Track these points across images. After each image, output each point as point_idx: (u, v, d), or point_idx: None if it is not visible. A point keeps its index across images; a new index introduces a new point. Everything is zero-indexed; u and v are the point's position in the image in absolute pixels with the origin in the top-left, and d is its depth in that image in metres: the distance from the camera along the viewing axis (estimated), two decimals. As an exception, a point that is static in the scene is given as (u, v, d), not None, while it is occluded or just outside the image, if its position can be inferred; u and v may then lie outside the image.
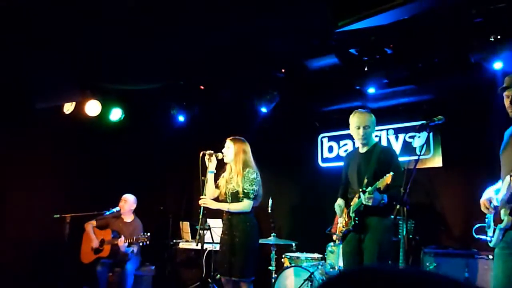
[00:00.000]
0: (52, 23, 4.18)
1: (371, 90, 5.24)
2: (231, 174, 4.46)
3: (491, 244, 2.92)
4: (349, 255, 3.88)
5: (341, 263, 4.50)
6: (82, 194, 6.20)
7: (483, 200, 3.00)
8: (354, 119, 3.93)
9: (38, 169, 5.88)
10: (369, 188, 3.53)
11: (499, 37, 4.28)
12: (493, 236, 2.88)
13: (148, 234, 5.57)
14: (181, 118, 6.72)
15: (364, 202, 3.58)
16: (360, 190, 3.71)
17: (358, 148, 4.07)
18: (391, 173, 3.31)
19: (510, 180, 2.78)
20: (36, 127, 5.83)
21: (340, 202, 4.07)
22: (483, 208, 2.99)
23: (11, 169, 5.66)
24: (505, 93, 3.02)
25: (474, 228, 3.17)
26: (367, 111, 3.99)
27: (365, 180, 3.72)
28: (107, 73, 5.35)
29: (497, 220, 2.84)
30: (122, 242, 5.50)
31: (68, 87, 5.59)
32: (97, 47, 4.68)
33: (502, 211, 2.80)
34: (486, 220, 3.00)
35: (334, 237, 4.53)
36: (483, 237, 3.03)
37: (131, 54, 4.92)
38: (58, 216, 5.31)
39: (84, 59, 4.94)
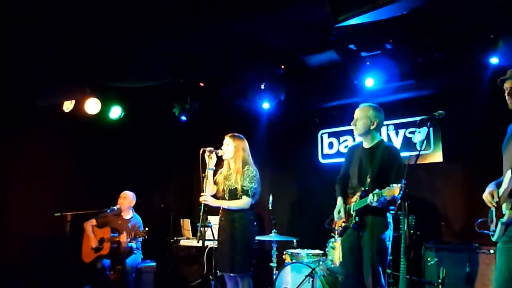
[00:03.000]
0: (53, 20, 4.17)
1: (371, 86, 5.23)
2: (230, 171, 4.46)
3: (493, 239, 2.92)
4: (348, 252, 3.88)
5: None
6: (83, 192, 6.19)
7: (485, 194, 2.99)
8: None
9: (38, 167, 5.86)
10: (377, 191, 3.50)
11: (498, 32, 4.27)
12: (495, 231, 2.87)
13: (147, 229, 5.59)
14: (181, 116, 6.71)
15: (370, 203, 3.55)
16: (363, 189, 3.70)
17: (362, 142, 4.01)
18: (399, 185, 3.22)
19: (512, 174, 2.78)
20: (36, 126, 5.82)
21: (340, 205, 4.00)
22: (486, 202, 2.98)
23: (12, 167, 5.66)
24: (505, 85, 2.99)
25: (476, 223, 3.16)
26: (364, 104, 3.96)
27: (368, 180, 3.70)
28: (107, 70, 5.33)
29: (499, 214, 2.84)
30: (124, 238, 5.53)
31: (67, 85, 5.58)
32: (96, 44, 4.67)
33: (504, 206, 2.80)
34: (489, 214, 2.99)
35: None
36: (485, 231, 3.02)
37: (131, 51, 4.90)
38: (59, 214, 5.30)
39: (83, 57, 4.93)
